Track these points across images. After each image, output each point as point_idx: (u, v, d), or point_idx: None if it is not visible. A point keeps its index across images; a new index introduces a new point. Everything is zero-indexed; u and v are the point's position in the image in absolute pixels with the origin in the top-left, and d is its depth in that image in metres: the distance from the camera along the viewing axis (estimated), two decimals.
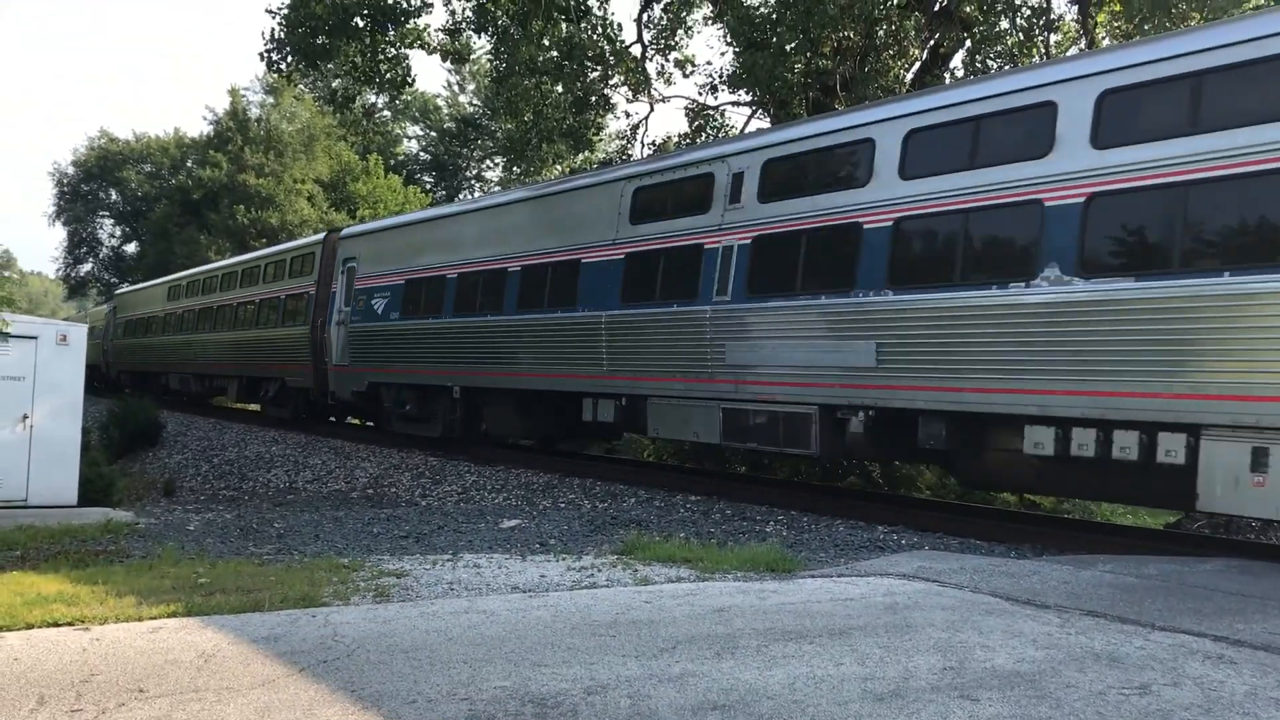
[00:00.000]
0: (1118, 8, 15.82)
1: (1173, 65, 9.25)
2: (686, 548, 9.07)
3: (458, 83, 63.94)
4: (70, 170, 72.97)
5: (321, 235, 24.64)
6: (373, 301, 20.04)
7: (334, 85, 24.09)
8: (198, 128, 66.03)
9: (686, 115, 23.97)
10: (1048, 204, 9.83)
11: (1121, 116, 9.58)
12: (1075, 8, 17.08)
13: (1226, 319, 8.69)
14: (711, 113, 23.47)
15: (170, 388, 32.75)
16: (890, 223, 11.14)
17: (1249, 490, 8.51)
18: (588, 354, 14.34)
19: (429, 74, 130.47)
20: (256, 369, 25.73)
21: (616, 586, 7.24)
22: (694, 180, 13.61)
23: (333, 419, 24.46)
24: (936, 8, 19.04)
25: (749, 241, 12.62)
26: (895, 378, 10.85)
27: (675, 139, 24.29)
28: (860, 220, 11.45)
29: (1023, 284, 9.86)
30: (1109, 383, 9.30)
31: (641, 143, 25.58)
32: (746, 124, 22.00)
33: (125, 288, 40.48)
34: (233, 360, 27.20)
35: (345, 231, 23.02)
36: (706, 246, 13.07)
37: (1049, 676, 4.76)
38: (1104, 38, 16.88)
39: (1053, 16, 17.19)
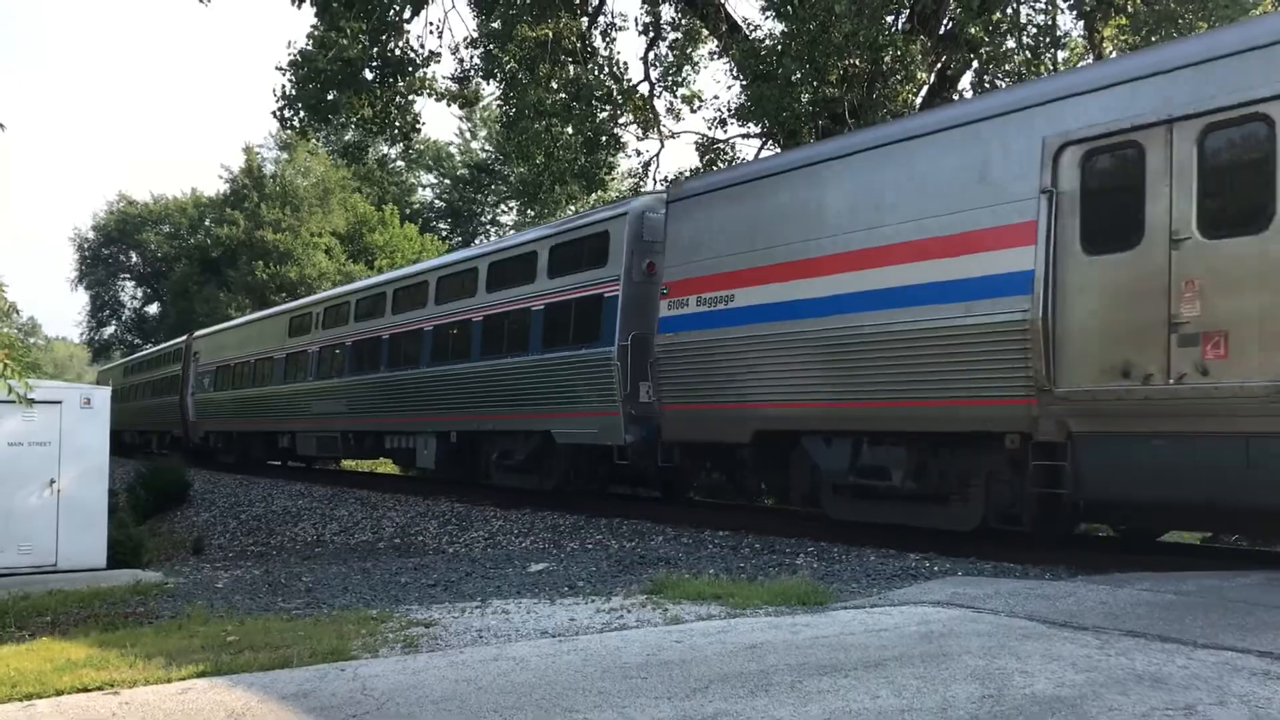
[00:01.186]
0: (1124, 21, 15.82)
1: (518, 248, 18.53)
2: (716, 584, 8.98)
3: (469, 129, 64.55)
4: (90, 235, 74.05)
5: (183, 338, 37.96)
6: (204, 379, 33.27)
7: (346, 138, 24.33)
8: (214, 186, 66.92)
9: (697, 150, 24.09)
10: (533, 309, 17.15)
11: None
12: (1081, 24, 17.12)
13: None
14: (722, 146, 23.56)
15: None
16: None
17: None
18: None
19: (440, 122, 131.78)
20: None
21: (646, 627, 7.16)
22: (466, 273, 19.68)
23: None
24: (942, 31, 19.11)
25: (481, 319, 18.52)
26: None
27: (687, 174, 24.39)
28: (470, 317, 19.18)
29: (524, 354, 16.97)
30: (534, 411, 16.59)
31: (654, 179, 25.69)
32: (758, 153, 22.06)
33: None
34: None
35: (195, 334, 36.95)
36: (472, 320, 18.74)
37: (1091, 700, 4.66)
38: (1111, 52, 16.87)
39: (1059, 34, 17.24)
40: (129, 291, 76.50)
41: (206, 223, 64.01)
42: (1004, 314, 10.06)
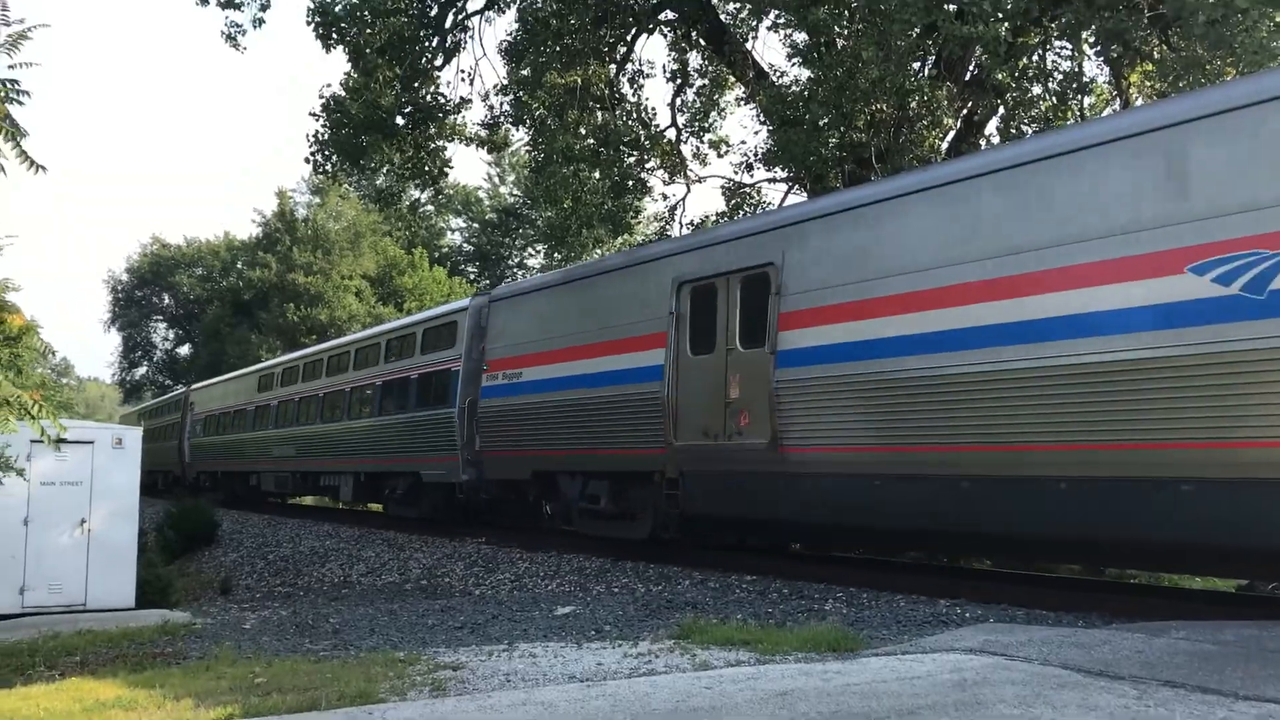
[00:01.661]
0: (1150, 68, 15.85)
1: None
2: (745, 629, 8.91)
3: (498, 174, 65.15)
4: (124, 277, 74.96)
5: (182, 389, 45.83)
6: (197, 426, 38.76)
7: (379, 184, 24.62)
8: (247, 230, 67.70)
9: (723, 194, 24.19)
10: (411, 378, 22.49)
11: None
12: (1108, 70, 17.14)
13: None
14: (748, 190, 23.66)
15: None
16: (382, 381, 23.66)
17: None
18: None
19: (470, 166, 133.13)
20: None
21: (675, 673, 7.11)
22: (373, 347, 24.92)
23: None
24: (968, 77, 19.17)
25: (380, 384, 23.74)
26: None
27: (713, 218, 24.50)
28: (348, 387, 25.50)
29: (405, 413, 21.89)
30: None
31: (680, 223, 25.80)
32: (784, 199, 22.17)
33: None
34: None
35: (193, 386, 42.69)
36: (375, 384, 23.99)
37: None
38: (1137, 98, 16.87)
39: (1085, 80, 17.26)
40: (161, 333, 77.31)
41: (239, 265, 64.72)
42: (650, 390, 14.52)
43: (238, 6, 23.51)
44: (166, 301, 74.92)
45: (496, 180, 65.69)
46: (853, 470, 11.82)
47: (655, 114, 24.51)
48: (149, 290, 74.57)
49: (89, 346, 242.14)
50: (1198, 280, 8.98)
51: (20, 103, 8.74)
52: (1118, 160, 9.69)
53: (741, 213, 23.04)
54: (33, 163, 9.07)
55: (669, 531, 14.75)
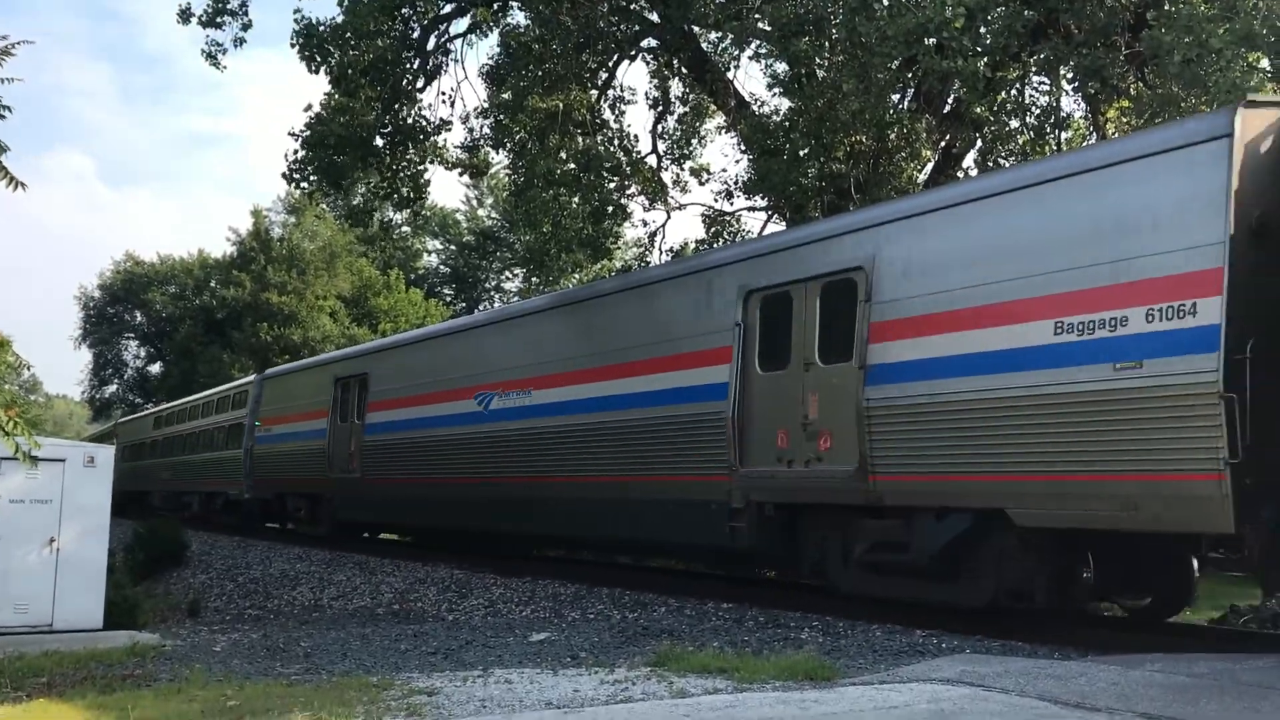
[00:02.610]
0: (1127, 104, 16.08)
1: None
2: (721, 657, 8.88)
3: (476, 197, 65.13)
4: (96, 294, 74.23)
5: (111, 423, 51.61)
6: (124, 451, 40.99)
7: (354, 202, 24.57)
8: (221, 248, 67.22)
9: (703, 221, 24.32)
10: (227, 425, 32.58)
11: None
12: (1085, 105, 17.37)
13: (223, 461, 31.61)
14: (728, 218, 23.78)
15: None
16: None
17: None
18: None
19: (448, 189, 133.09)
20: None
21: (653, 700, 7.06)
22: (211, 403, 34.53)
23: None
24: (946, 109, 19.37)
25: (212, 427, 33.50)
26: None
27: (693, 245, 24.60)
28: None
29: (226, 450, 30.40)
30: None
31: (659, 249, 25.89)
32: (764, 227, 22.29)
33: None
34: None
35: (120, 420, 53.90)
36: (208, 429, 33.67)
37: None
38: (1114, 132, 17.09)
39: (1063, 114, 17.49)
40: (132, 351, 76.47)
41: (213, 284, 64.27)
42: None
43: (219, 26, 23.48)
44: (139, 319, 74.18)
45: (474, 203, 65.71)
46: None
47: (636, 140, 24.61)
48: (121, 308, 73.83)
49: (57, 363, 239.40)
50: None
51: (3, 116, 8.69)
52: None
53: (720, 241, 23.12)
54: (13, 179, 9.01)
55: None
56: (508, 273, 62.56)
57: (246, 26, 23.53)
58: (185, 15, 23.55)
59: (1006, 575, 10.43)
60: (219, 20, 23.42)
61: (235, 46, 23.59)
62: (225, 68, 23.78)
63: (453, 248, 68.28)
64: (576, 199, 23.87)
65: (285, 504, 26.96)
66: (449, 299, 64.03)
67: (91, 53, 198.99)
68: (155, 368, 74.03)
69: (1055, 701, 6.66)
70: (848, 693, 7.08)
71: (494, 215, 62.77)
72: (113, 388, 76.40)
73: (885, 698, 6.82)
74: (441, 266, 69.40)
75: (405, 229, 71.86)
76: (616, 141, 23.72)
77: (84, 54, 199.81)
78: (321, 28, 20.63)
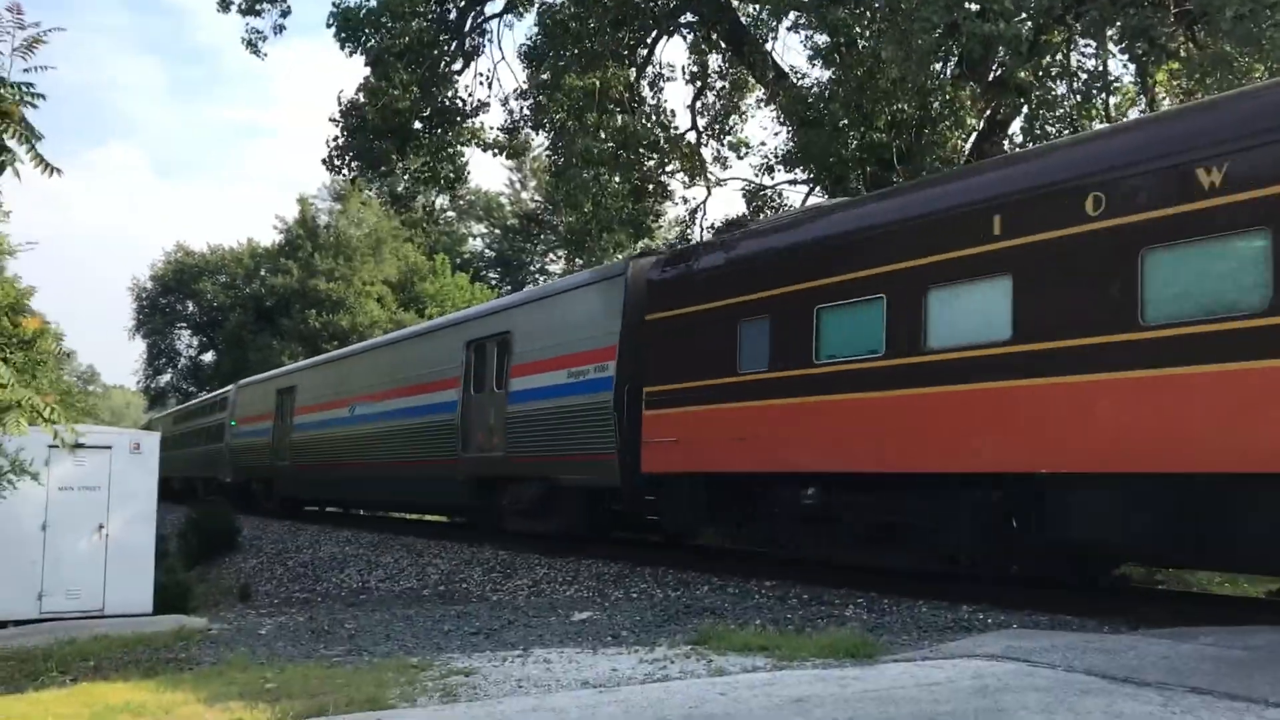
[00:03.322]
0: (1176, 66, 15.60)
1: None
2: (763, 635, 8.77)
3: (519, 180, 65.17)
4: (149, 285, 75.32)
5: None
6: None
7: (397, 188, 24.60)
8: (269, 237, 68.01)
9: (744, 197, 24.04)
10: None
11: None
12: (1134, 68, 16.88)
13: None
14: (768, 192, 23.50)
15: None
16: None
17: None
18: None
19: (492, 172, 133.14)
20: None
21: (690, 679, 6.98)
22: (208, 405, 42.16)
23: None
24: (990, 77, 18.95)
25: (208, 426, 40.07)
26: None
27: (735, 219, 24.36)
28: None
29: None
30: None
31: (700, 226, 25.66)
32: (805, 199, 21.98)
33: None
34: None
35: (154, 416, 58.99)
36: (209, 426, 39.81)
37: None
38: (1164, 97, 16.63)
39: (1110, 78, 17.01)
40: (185, 340, 77.53)
41: (262, 273, 64.90)
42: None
43: (258, 13, 23.59)
44: (190, 309, 75.15)
45: (518, 186, 65.75)
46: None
47: (674, 116, 24.39)
48: (173, 298, 74.83)
49: (115, 354, 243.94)
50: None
51: (35, 106, 8.71)
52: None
53: (762, 216, 22.88)
54: (48, 165, 9.05)
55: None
56: (552, 254, 62.54)
57: (286, 13, 23.68)
58: (225, 3, 23.71)
59: (563, 514, 17.12)
60: (258, 7, 23.55)
61: (275, 34, 23.76)
62: (266, 55, 23.91)
63: (497, 231, 68.41)
64: (616, 178, 23.71)
65: (250, 487, 33.70)
66: (494, 282, 64.19)
67: (141, 47, 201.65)
68: (208, 356, 75.05)
69: (1104, 676, 6.47)
70: (889, 670, 6.93)
71: (537, 198, 62.74)
72: (167, 377, 77.54)
73: (927, 674, 6.66)
74: (486, 250, 69.56)
75: (450, 214, 72.39)
76: (655, 119, 23.48)
77: (134, 48, 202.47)
78: (360, 10, 20.61)
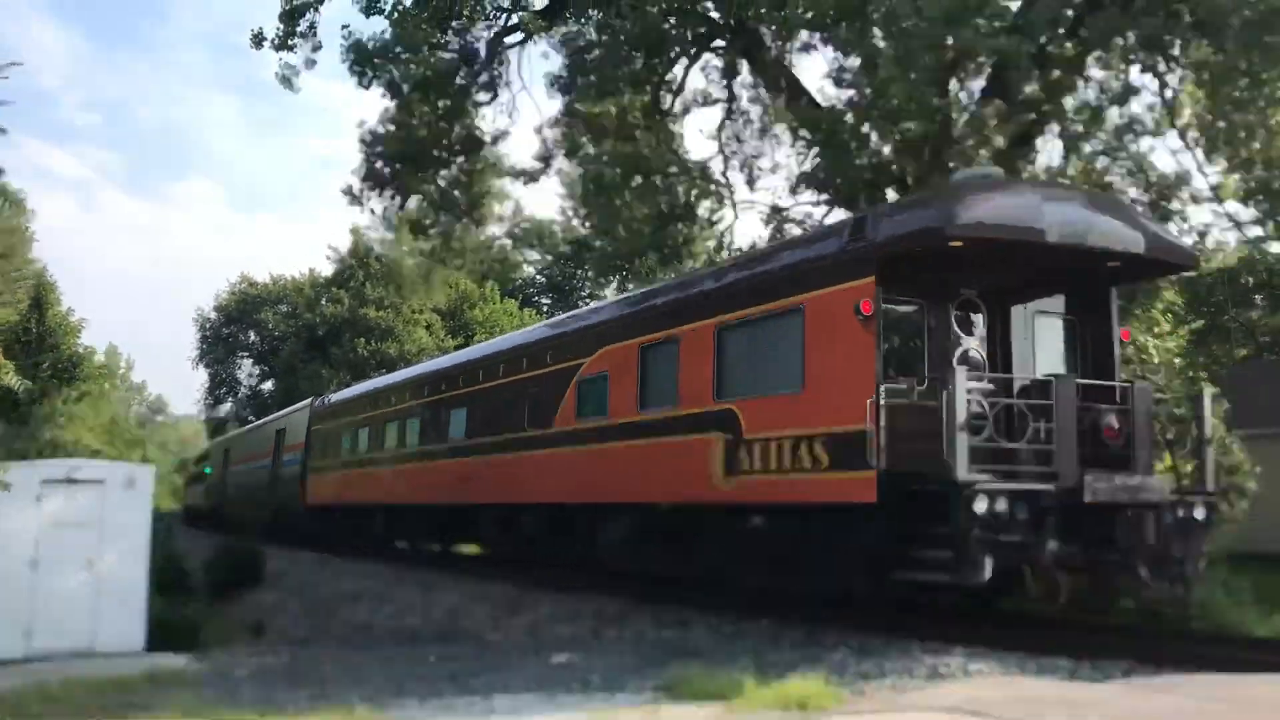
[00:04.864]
0: (1193, 74, 14.84)
1: None
2: (727, 682, 8.36)
3: (571, 206, 65.20)
4: (212, 315, 76.55)
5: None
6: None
7: (413, 212, 24.60)
8: (330, 267, 68.85)
9: (763, 221, 23.58)
10: None
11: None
12: (1154, 79, 16.12)
13: None
14: (786, 213, 23.01)
15: None
16: None
17: None
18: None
19: (545, 199, 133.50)
20: None
21: None
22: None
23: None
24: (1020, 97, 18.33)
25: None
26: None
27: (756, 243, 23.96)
28: None
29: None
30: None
31: (728, 249, 25.23)
32: (824, 219, 21.50)
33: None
34: None
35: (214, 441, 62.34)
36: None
37: None
38: (1187, 111, 15.89)
39: (1128, 89, 16.19)
40: (246, 369, 78.50)
41: (323, 302, 65.49)
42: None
43: (290, 48, 23.74)
44: (252, 338, 76.17)
45: (570, 213, 65.78)
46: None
47: (683, 140, 24.06)
48: (236, 328, 75.93)
49: (186, 384, 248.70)
50: None
51: None
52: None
53: (779, 235, 22.45)
54: (6, 198, 8.99)
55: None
56: (601, 279, 62.38)
57: (317, 48, 23.79)
58: (259, 40, 23.92)
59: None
60: (290, 43, 23.71)
61: (307, 68, 23.89)
62: (300, 89, 24.05)
63: (549, 258, 68.51)
64: (647, 204, 23.40)
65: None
66: (546, 308, 64.19)
67: (219, 86, 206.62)
68: (268, 385, 75.92)
69: None
70: None
71: (587, 224, 62.70)
72: (228, 405, 78.49)
73: None
74: (538, 276, 69.69)
75: (506, 241, 72.57)
76: (668, 144, 23.17)
77: (214, 88, 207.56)
78: (371, 44, 20.62)
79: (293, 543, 30.09)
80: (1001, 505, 9.52)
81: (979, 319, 11.68)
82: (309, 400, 33.30)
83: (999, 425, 10.48)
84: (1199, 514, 10.66)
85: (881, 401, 10.22)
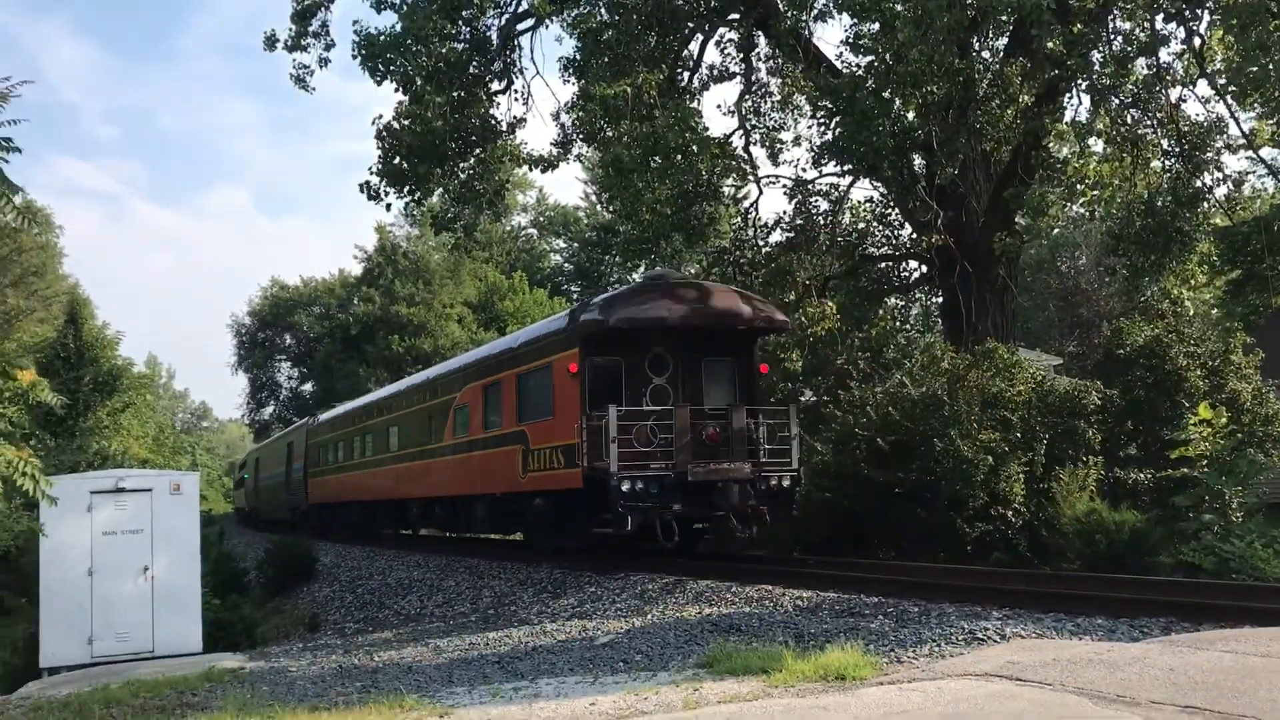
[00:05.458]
0: (1220, 20, 14.64)
1: None
2: (767, 656, 8.45)
3: (595, 193, 65.21)
4: (247, 321, 77.46)
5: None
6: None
7: (435, 206, 24.72)
8: (358, 266, 69.39)
9: (785, 195, 23.53)
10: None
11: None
12: (1181, 29, 15.91)
13: None
14: (809, 186, 22.96)
15: None
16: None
17: None
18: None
19: (569, 186, 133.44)
20: None
21: (662, 712, 6.74)
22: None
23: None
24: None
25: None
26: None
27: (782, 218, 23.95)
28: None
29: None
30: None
31: (754, 226, 25.21)
32: (847, 190, 21.46)
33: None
34: None
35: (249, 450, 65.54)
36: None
37: None
38: (1217, 56, 15.69)
39: (1152, 40, 16.00)
40: (285, 372, 79.33)
41: (355, 301, 66.08)
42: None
43: (304, 49, 23.93)
44: (288, 341, 76.95)
45: (594, 198, 65.79)
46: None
47: (702, 118, 23.98)
48: (271, 332, 76.77)
49: (227, 389, 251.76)
50: None
51: (6, 160, 8.81)
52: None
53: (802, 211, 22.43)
54: (22, 215, 9.21)
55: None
56: (628, 264, 62.40)
57: (329, 47, 23.98)
58: (271, 42, 24.15)
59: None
60: (303, 44, 23.90)
61: (321, 67, 24.08)
62: (314, 90, 24.26)
63: (575, 245, 68.63)
64: (668, 184, 23.36)
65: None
66: (575, 295, 64.35)
67: (239, 90, 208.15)
68: (308, 387, 76.68)
69: (1093, 696, 6.02)
70: (867, 695, 6.57)
71: (611, 209, 62.67)
72: (270, 409, 79.41)
73: (901, 701, 6.28)
74: (565, 264, 69.83)
75: (532, 231, 72.75)
76: (683, 122, 23.14)
77: (234, 92, 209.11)
78: (382, 37, 20.73)
79: (345, 539, 30.57)
80: (640, 485, 14.97)
81: (669, 365, 16.90)
82: (305, 419, 41.08)
83: (639, 436, 15.54)
84: (786, 483, 16.04)
85: (584, 425, 15.58)
